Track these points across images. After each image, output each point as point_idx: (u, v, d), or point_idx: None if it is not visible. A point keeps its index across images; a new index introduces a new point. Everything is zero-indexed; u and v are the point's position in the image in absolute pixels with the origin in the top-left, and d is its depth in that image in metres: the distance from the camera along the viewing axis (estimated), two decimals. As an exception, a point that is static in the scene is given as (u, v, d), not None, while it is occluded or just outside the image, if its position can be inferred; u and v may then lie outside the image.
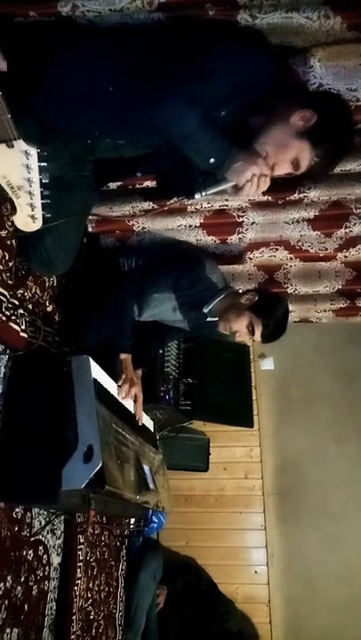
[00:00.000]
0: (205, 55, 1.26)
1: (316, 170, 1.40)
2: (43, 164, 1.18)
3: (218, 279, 1.92)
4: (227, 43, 1.27)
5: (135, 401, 1.89)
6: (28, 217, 1.32)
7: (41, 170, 1.19)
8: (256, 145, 1.39)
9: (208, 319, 1.94)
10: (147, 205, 1.88)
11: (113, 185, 1.83)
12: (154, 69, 1.27)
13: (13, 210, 1.31)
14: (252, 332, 1.84)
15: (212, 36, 1.28)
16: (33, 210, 1.29)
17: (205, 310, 1.91)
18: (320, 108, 1.33)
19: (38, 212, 1.30)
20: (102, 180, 1.67)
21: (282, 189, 1.80)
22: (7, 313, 1.51)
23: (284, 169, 1.42)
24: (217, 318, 1.91)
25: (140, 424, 2.02)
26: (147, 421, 2.10)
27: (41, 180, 1.21)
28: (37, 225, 1.35)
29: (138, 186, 1.86)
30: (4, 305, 1.49)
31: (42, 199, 1.26)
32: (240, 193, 1.43)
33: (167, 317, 1.97)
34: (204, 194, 1.48)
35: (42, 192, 1.25)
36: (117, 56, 1.28)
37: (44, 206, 1.29)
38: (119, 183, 1.82)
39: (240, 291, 2.13)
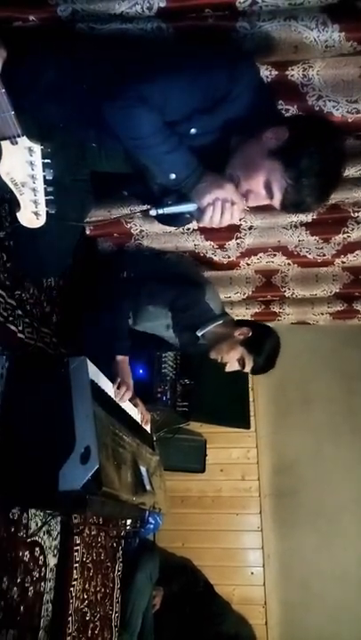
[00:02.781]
0: (175, 63, 1.22)
1: (292, 196, 1.25)
2: (46, 160, 1.18)
3: (216, 305, 1.92)
4: (203, 54, 1.23)
5: (135, 405, 1.91)
6: (32, 213, 1.32)
7: (44, 166, 1.19)
8: (229, 168, 1.30)
9: (200, 342, 1.95)
10: (145, 209, 1.88)
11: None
12: (117, 71, 1.23)
13: (17, 207, 1.31)
14: (242, 366, 1.88)
15: (193, 44, 1.26)
16: (37, 206, 1.30)
17: (199, 334, 1.91)
18: (294, 125, 1.25)
19: (42, 209, 1.31)
20: (99, 194, 1.66)
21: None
22: (5, 314, 1.51)
23: (258, 197, 1.30)
24: (208, 343, 1.92)
25: (146, 426, 2.05)
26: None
27: (44, 176, 1.21)
28: (41, 221, 1.35)
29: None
30: (1, 306, 1.50)
31: (45, 195, 1.27)
32: (201, 218, 1.32)
33: (159, 333, 1.96)
34: (160, 211, 1.37)
35: (45, 188, 1.25)
36: (96, 58, 1.27)
37: (47, 203, 1.29)
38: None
39: (239, 297, 2.13)
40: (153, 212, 1.38)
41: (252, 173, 1.26)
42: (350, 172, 1.68)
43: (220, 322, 1.91)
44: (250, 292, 2.32)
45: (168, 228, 2.00)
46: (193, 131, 1.25)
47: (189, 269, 2.07)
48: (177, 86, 1.20)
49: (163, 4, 1.24)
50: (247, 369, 1.88)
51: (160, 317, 1.89)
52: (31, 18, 1.26)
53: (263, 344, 1.87)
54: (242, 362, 1.86)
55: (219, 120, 1.26)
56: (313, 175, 1.22)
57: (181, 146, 1.25)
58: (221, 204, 1.27)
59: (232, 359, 1.86)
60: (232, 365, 1.89)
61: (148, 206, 1.39)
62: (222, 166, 1.31)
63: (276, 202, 1.28)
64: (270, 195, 1.27)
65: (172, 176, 1.27)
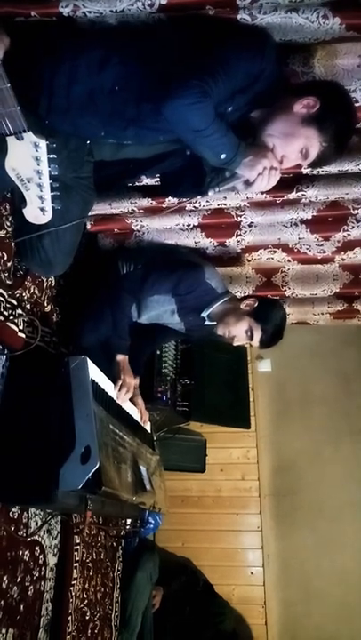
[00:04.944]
0: (213, 51, 1.27)
1: (325, 155, 1.40)
2: (52, 155, 1.18)
3: (217, 284, 1.93)
4: (234, 39, 1.28)
5: (135, 404, 1.90)
6: (38, 209, 1.32)
7: (50, 162, 1.19)
8: (263, 138, 1.40)
9: (206, 323, 1.95)
10: (146, 202, 1.88)
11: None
12: (160, 65, 1.27)
13: (23, 203, 1.31)
14: (250, 338, 1.86)
15: (218, 32, 1.29)
16: (42, 202, 1.29)
17: (204, 315, 1.92)
18: (321, 94, 1.34)
19: (48, 205, 1.30)
20: (105, 183, 1.67)
21: (280, 188, 1.80)
22: (5, 313, 1.51)
23: (293, 160, 1.42)
24: (215, 322, 1.92)
25: (145, 425, 2.05)
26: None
27: (50, 172, 1.21)
28: (47, 217, 1.35)
29: (137, 183, 1.86)
30: (2, 305, 1.49)
31: (51, 191, 1.26)
32: (252, 187, 1.43)
33: (165, 320, 1.98)
34: (217, 190, 1.48)
35: (51, 184, 1.25)
36: (123, 56, 1.28)
37: (53, 198, 1.29)
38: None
39: (239, 296, 2.14)
40: (211, 193, 1.51)
41: (290, 141, 1.38)
42: (350, 166, 1.68)
43: (224, 299, 1.91)
44: (250, 292, 2.31)
45: (169, 224, 2.01)
46: (230, 109, 1.34)
47: (185, 253, 2.07)
48: (227, 73, 1.26)
49: (164, 2, 1.23)
50: (255, 341, 1.86)
51: (165, 304, 1.90)
52: (33, 14, 1.25)
53: (270, 313, 1.87)
54: (250, 333, 1.85)
55: (250, 96, 1.34)
56: (342, 134, 1.40)
57: (228, 127, 1.32)
58: (268, 172, 1.39)
59: (240, 331, 1.85)
60: (240, 338, 1.87)
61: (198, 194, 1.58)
62: (245, 134, 1.40)
63: (308, 162, 1.42)
64: (305, 157, 1.40)
65: (223, 156, 1.35)
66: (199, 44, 1.29)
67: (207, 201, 1.90)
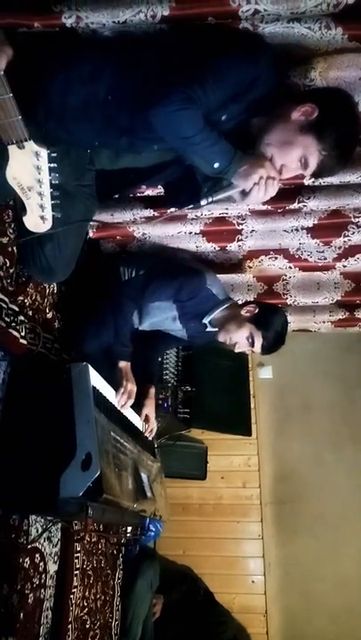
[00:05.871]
0: (204, 59, 1.26)
1: (326, 165, 1.35)
2: (52, 164, 1.19)
3: (218, 291, 1.93)
4: (226, 46, 1.27)
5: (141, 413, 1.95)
6: (39, 217, 1.33)
7: (51, 170, 1.20)
8: (261, 148, 1.37)
9: (208, 329, 1.95)
10: (148, 213, 1.89)
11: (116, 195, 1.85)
12: (152, 75, 1.27)
13: (23, 211, 1.32)
14: (251, 344, 1.86)
15: (211, 40, 1.28)
16: (43, 210, 1.31)
17: (205, 321, 1.92)
18: (320, 101, 1.31)
19: (48, 213, 1.32)
20: (106, 193, 1.67)
21: (281, 199, 1.81)
22: (7, 319, 1.51)
23: (292, 170, 1.38)
24: (216, 329, 1.93)
25: (151, 438, 2.05)
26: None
27: (51, 180, 1.22)
28: (47, 226, 1.36)
29: (139, 194, 1.87)
30: (3, 311, 1.50)
31: (51, 200, 1.28)
32: (248, 198, 1.40)
33: (167, 326, 1.99)
34: (210, 200, 1.46)
35: (51, 193, 1.26)
36: (116, 66, 1.29)
37: (53, 207, 1.30)
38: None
39: (240, 302, 2.14)
40: (204, 202, 1.47)
41: (288, 150, 1.34)
42: (351, 177, 1.68)
43: (225, 306, 1.92)
44: (251, 300, 2.32)
45: (170, 231, 2.02)
46: (224, 117, 1.32)
47: (186, 259, 2.08)
48: (218, 81, 1.25)
49: (166, 13, 1.24)
50: (257, 347, 1.86)
51: (166, 310, 1.91)
52: (36, 25, 1.27)
53: (271, 319, 1.87)
54: (251, 339, 1.85)
55: (245, 104, 1.32)
56: (344, 143, 1.35)
57: (220, 135, 1.30)
58: (265, 182, 1.35)
59: (241, 337, 1.85)
60: (241, 345, 1.87)
61: (194, 203, 1.52)
62: (243, 145, 1.37)
63: (309, 172, 1.38)
64: (305, 167, 1.36)
65: (216, 165, 1.33)
66: (193, 52, 1.28)
67: (209, 210, 1.91)
